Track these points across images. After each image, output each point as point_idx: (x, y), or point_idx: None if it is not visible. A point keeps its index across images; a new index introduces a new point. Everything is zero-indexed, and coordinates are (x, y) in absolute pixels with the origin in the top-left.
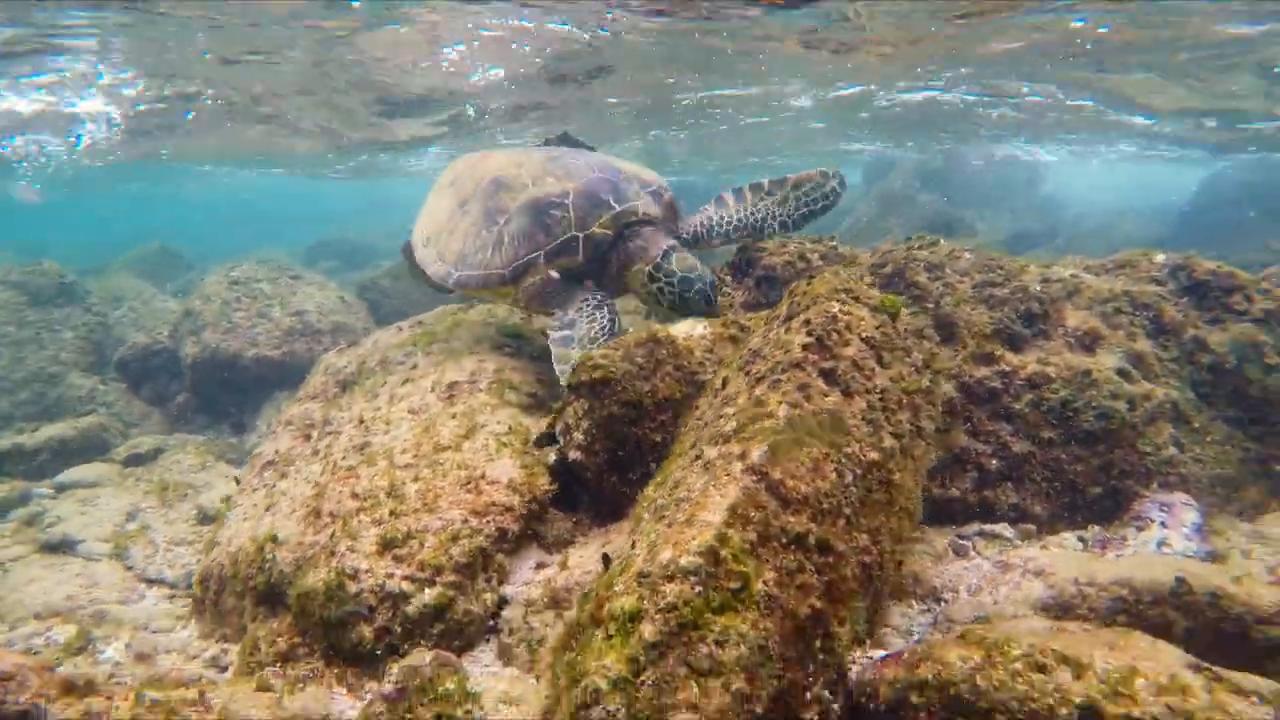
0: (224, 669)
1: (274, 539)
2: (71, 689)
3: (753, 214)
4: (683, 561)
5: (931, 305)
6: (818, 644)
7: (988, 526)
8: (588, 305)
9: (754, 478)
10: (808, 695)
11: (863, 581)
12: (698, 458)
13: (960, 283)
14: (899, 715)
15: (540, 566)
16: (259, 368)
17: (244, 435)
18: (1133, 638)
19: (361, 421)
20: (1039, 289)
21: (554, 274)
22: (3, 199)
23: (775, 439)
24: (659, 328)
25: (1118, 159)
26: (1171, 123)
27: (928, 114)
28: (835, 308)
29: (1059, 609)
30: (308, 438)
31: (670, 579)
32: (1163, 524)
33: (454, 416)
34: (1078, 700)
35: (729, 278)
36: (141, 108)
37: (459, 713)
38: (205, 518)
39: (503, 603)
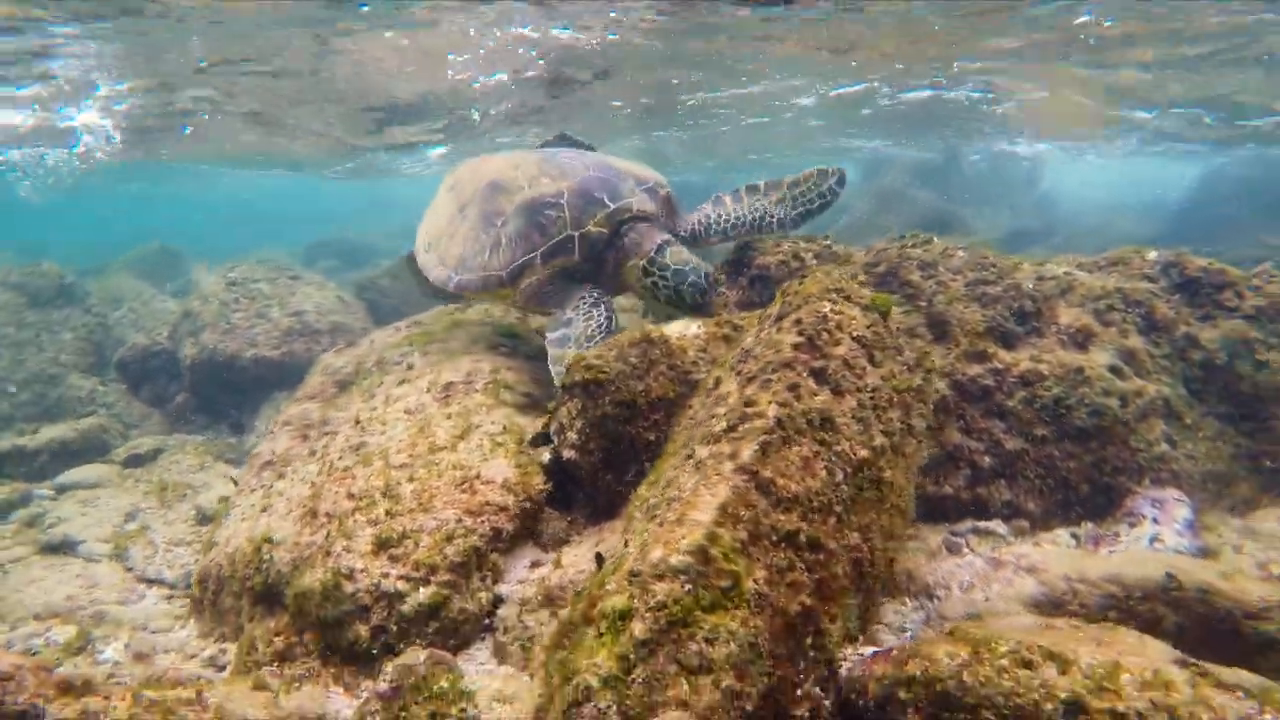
0: (222, 668)
1: (271, 539)
2: (69, 689)
3: (751, 212)
4: (673, 560)
5: (925, 303)
6: (809, 641)
7: (981, 523)
8: (584, 303)
9: (744, 477)
10: (799, 692)
11: (854, 579)
12: (689, 457)
13: (953, 281)
14: (888, 711)
15: (535, 565)
16: (258, 368)
17: (243, 435)
18: (1120, 634)
19: (358, 422)
20: (1031, 287)
21: (549, 274)
22: (2, 200)
23: (765, 438)
24: (652, 327)
25: (1121, 153)
26: (1171, 119)
27: (931, 111)
28: (826, 307)
29: (1050, 605)
30: (305, 438)
31: (661, 577)
32: (1155, 520)
33: (449, 417)
34: (1063, 696)
35: (724, 277)
36: (138, 117)
37: (453, 711)
38: (204, 518)
39: (498, 601)
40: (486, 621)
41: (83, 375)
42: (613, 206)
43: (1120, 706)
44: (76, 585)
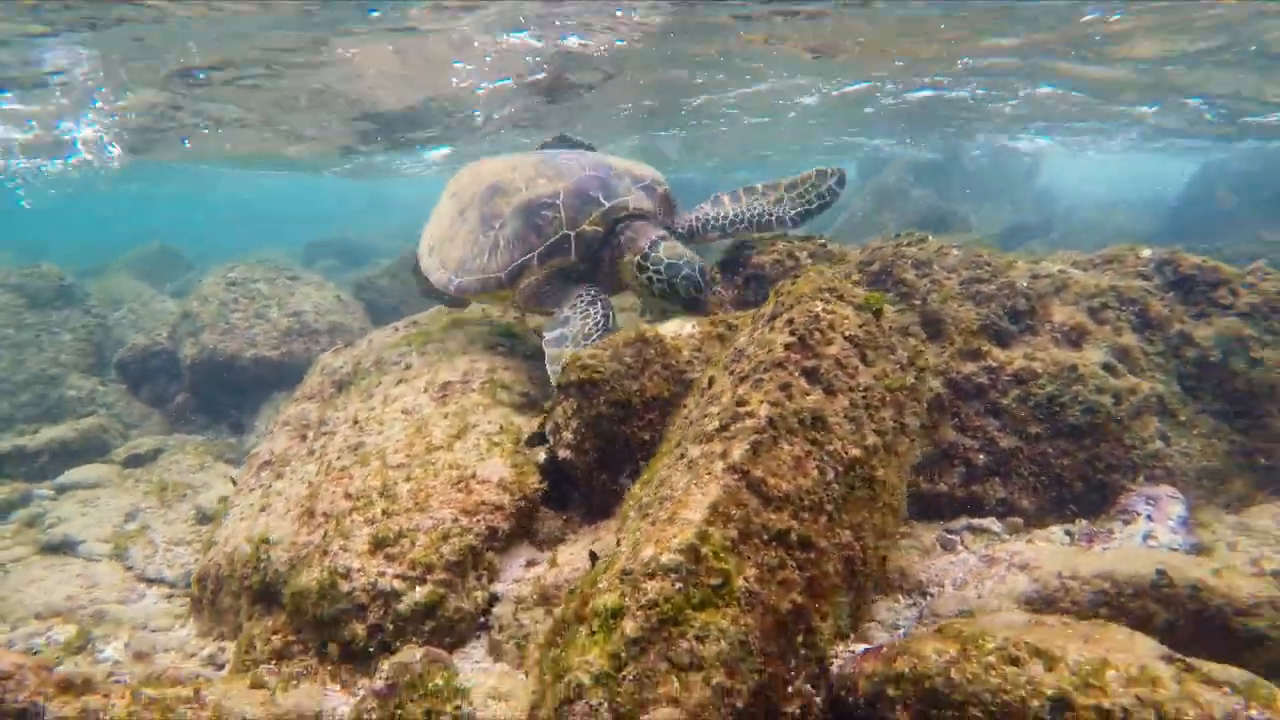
0: (221, 667)
1: (269, 539)
2: (69, 687)
3: (750, 210)
4: (664, 559)
5: (919, 302)
6: (799, 639)
7: (976, 521)
8: (581, 302)
9: (735, 476)
10: (790, 689)
11: (845, 577)
12: (682, 456)
13: (948, 279)
14: (877, 708)
15: (531, 564)
16: (257, 368)
17: (243, 435)
18: (1109, 630)
19: (356, 422)
20: (1025, 285)
21: (547, 274)
22: (2, 202)
23: (757, 438)
24: (647, 327)
25: (1121, 149)
26: (1172, 114)
27: (934, 108)
28: (818, 307)
29: (1043, 602)
30: (304, 438)
31: (651, 576)
32: (1148, 517)
33: (446, 416)
34: (1049, 692)
35: (720, 276)
36: (136, 132)
37: (448, 708)
38: (204, 517)
39: (493, 600)
40: (482, 620)
41: (83, 376)
42: (608, 205)
43: (1106, 703)
44: (77, 585)
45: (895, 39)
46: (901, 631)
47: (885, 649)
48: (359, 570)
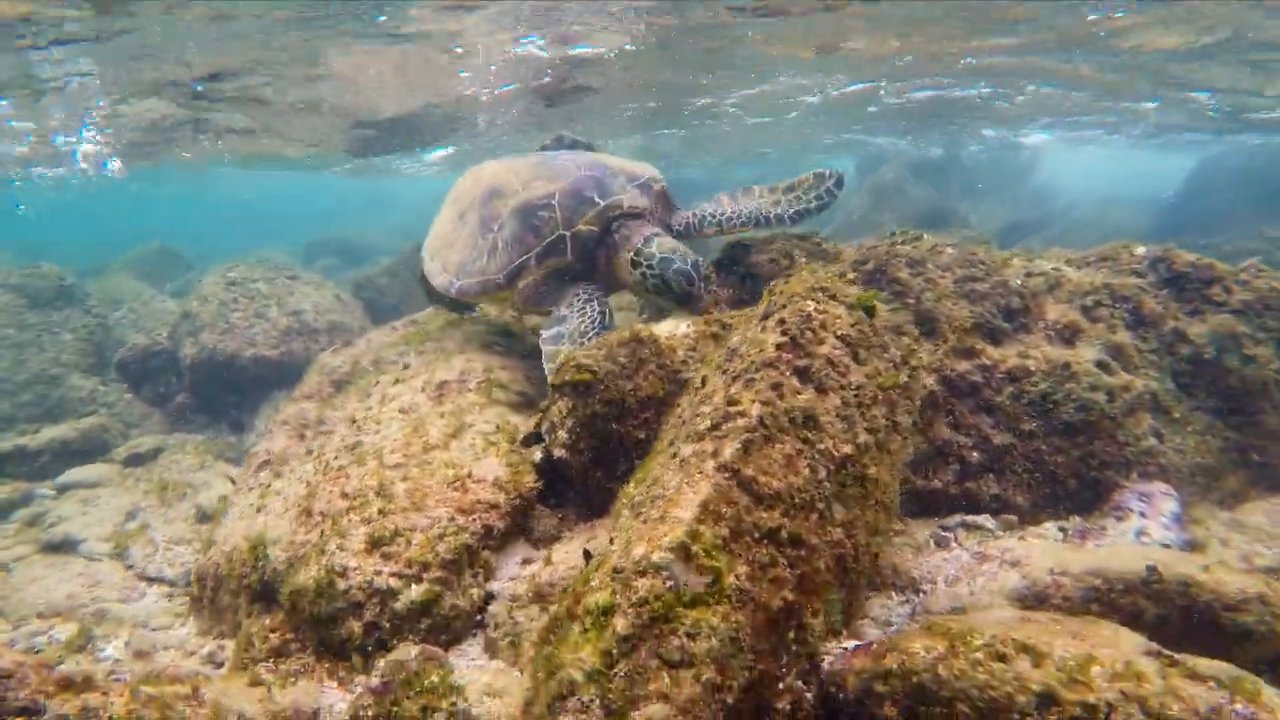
0: (220, 665)
1: (267, 538)
2: (69, 685)
3: (747, 207)
4: (654, 557)
5: (913, 301)
6: (791, 635)
7: (970, 518)
8: (578, 300)
9: (726, 475)
10: (780, 685)
11: (837, 574)
12: (675, 455)
13: (942, 278)
14: (866, 704)
15: (526, 562)
16: (257, 368)
17: (243, 435)
18: (1097, 626)
19: (353, 421)
20: (1019, 283)
21: (544, 274)
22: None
23: (748, 436)
24: (641, 327)
25: (1125, 144)
26: (1173, 111)
27: (936, 107)
28: (810, 306)
29: (1034, 598)
30: (302, 437)
31: (642, 574)
32: (1142, 514)
33: (443, 416)
34: (1035, 688)
35: (715, 275)
36: (135, 143)
37: (443, 705)
38: (204, 516)
39: (489, 598)
40: (478, 618)
41: (83, 375)
42: (602, 204)
43: (1091, 698)
44: (78, 584)
45: (899, 37)
46: (894, 628)
47: (875, 646)
48: (356, 569)
